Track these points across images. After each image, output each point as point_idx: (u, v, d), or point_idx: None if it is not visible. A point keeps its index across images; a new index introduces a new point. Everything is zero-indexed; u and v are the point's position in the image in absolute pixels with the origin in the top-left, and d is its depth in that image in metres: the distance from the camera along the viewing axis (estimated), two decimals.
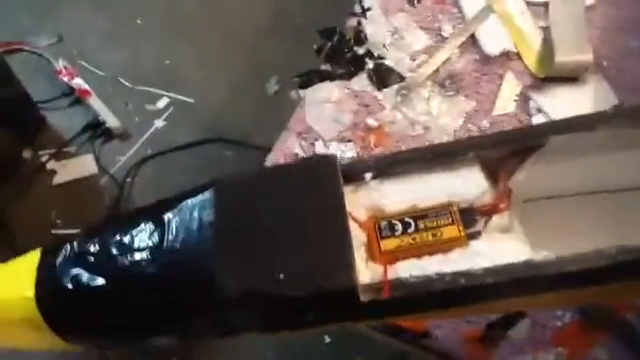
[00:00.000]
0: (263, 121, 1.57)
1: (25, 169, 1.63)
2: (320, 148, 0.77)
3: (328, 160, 0.41)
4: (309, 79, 0.83)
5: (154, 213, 0.40)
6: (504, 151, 0.45)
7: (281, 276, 0.37)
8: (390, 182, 0.44)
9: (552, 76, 0.84)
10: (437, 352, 0.69)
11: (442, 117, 0.81)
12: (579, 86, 0.84)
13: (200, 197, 0.40)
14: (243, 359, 1.55)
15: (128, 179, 1.74)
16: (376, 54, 0.86)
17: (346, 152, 0.77)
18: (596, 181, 0.48)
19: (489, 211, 0.44)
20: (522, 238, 0.45)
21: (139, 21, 2.04)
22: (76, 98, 1.78)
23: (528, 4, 0.90)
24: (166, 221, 0.40)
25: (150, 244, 0.38)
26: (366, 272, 0.41)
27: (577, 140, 0.44)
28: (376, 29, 0.89)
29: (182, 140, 1.78)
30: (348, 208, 0.42)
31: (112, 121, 1.76)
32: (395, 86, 0.83)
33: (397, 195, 0.44)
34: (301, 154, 0.76)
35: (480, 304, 0.42)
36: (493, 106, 0.83)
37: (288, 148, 0.78)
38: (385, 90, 0.83)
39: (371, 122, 0.80)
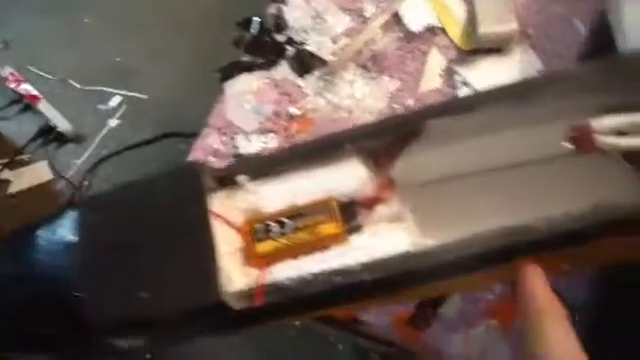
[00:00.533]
0: None
1: None
2: (241, 141, 0.76)
3: (192, 168, 0.40)
4: (230, 72, 0.81)
5: (13, 239, 0.39)
6: (383, 140, 0.44)
7: (143, 294, 0.36)
8: (267, 183, 0.43)
9: (477, 48, 0.83)
10: (370, 337, 0.69)
11: (366, 99, 0.80)
12: (504, 56, 0.83)
13: (61, 220, 0.39)
14: (220, 352, 1.55)
15: (85, 182, 1.72)
16: (297, 40, 0.85)
17: (268, 143, 0.76)
18: (485, 161, 0.47)
19: (371, 203, 0.43)
20: (411, 227, 0.44)
21: (86, 20, 2.00)
22: (25, 104, 1.75)
23: None
24: (26, 248, 0.38)
25: (10, 272, 0.37)
26: (241, 279, 0.40)
27: (455, 123, 0.43)
28: (297, 14, 0.87)
29: (138, 138, 1.76)
30: (222, 213, 0.41)
31: (64, 125, 1.74)
32: (317, 72, 0.82)
33: (274, 195, 0.43)
34: (222, 149, 0.75)
35: (362, 301, 0.41)
36: (419, 84, 0.82)
37: (209, 144, 0.76)
38: (307, 77, 0.81)
39: (293, 111, 0.78)
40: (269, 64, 0.82)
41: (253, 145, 0.75)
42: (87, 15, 2.00)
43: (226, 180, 0.43)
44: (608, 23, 0.68)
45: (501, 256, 0.39)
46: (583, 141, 0.41)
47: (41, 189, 1.60)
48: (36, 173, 1.61)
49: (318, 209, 0.42)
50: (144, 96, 1.81)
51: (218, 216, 0.42)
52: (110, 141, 1.79)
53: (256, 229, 0.41)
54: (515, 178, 0.46)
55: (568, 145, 0.41)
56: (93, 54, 1.95)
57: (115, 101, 1.82)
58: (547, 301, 0.31)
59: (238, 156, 0.74)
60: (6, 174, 1.64)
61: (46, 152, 1.72)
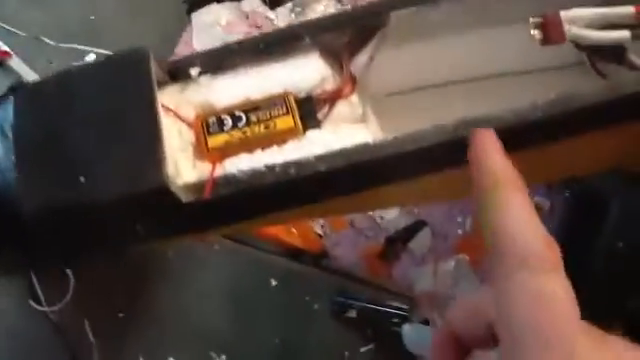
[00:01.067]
0: None
1: None
2: None
3: (139, 53, 0.37)
4: (197, 2, 0.78)
5: None
6: (345, 34, 0.41)
7: (82, 179, 0.34)
8: (221, 77, 0.41)
9: None
10: (338, 272, 0.67)
11: None
12: None
13: None
14: (192, 307, 1.54)
15: None
16: None
17: None
18: (454, 67, 0.45)
19: (330, 98, 0.41)
20: (374, 129, 0.42)
21: None
22: None
23: None
24: None
25: None
26: (192, 173, 0.38)
27: (420, 17, 0.41)
28: None
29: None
30: (173, 107, 0.39)
31: None
32: (289, 4, 0.79)
33: (228, 90, 0.40)
34: None
35: (318, 200, 0.39)
36: None
37: None
38: (278, 9, 0.79)
39: None
40: None
41: None
42: None
43: (178, 73, 0.40)
44: None
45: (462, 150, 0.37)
46: (552, 31, 0.39)
47: None
48: None
49: (274, 103, 0.40)
50: None
51: (169, 109, 0.39)
52: None
53: (208, 123, 0.39)
54: (483, 85, 0.45)
55: (536, 34, 0.38)
56: (66, 11, 1.90)
57: (89, 59, 1.77)
58: (504, 172, 0.27)
59: None
60: None
61: None
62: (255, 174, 0.37)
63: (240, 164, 0.38)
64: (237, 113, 0.39)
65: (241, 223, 0.40)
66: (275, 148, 0.39)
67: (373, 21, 0.41)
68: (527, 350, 0.23)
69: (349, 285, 0.70)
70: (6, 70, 1.72)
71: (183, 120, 0.39)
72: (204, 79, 0.41)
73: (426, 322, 0.67)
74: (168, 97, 0.40)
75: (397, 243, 0.66)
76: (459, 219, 0.66)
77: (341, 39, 0.42)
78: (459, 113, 0.41)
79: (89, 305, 1.44)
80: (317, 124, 0.40)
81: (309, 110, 0.40)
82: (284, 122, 0.39)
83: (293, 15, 0.78)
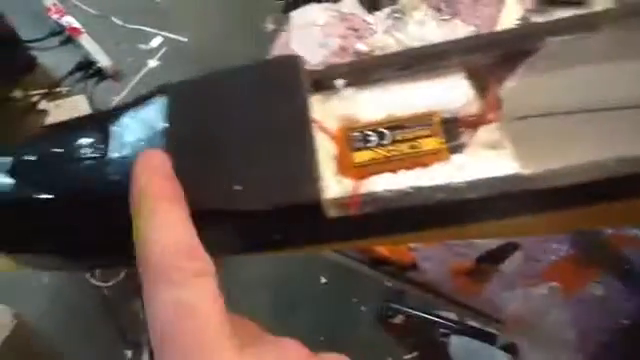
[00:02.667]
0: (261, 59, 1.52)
1: (16, 109, 1.59)
2: None
3: (292, 61, 0.36)
4: (294, 2, 0.77)
5: (97, 123, 0.36)
6: (493, 56, 0.40)
7: (237, 188, 0.33)
8: (365, 90, 0.40)
9: None
10: (424, 285, 0.66)
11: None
12: (585, 9, 0.78)
13: (148, 105, 0.36)
14: (238, 300, 1.55)
15: None
16: None
17: None
18: (599, 94, 0.43)
19: (475, 122, 0.40)
20: (512, 155, 0.41)
21: None
22: (67, 37, 1.73)
23: None
24: (110, 132, 0.36)
25: (93, 156, 0.34)
26: (335, 187, 0.37)
27: (576, 44, 0.39)
28: None
29: (177, 79, 1.73)
30: (318, 118, 0.38)
31: (104, 61, 1.71)
32: (387, 9, 0.78)
33: (372, 104, 0.39)
34: None
35: (460, 224, 0.38)
36: (491, 31, 0.77)
37: None
38: (376, 13, 0.77)
39: (360, 47, 0.75)
40: None
41: None
42: None
43: (322, 83, 0.40)
44: None
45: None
46: None
47: None
48: (74, 106, 1.59)
49: (419, 122, 0.39)
50: (185, 39, 1.77)
51: (312, 121, 0.39)
52: (148, 82, 1.77)
53: (353, 137, 0.38)
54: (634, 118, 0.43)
55: None
56: None
57: (156, 42, 1.79)
58: (156, 186, 0.28)
59: None
60: (44, 105, 1.62)
61: (84, 87, 1.70)
62: (400, 195, 0.36)
63: (385, 183, 0.37)
64: (382, 130, 0.38)
65: (379, 240, 0.39)
66: (419, 170, 0.38)
67: (525, 45, 0.40)
68: None
69: (433, 300, 0.69)
70: (75, 47, 1.75)
71: (326, 132, 0.39)
72: (347, 91, 0.40)
73: (511, 347, 0.66)
74: (312, 108, 0.39)
75: (488, 263, 0.65)
76: (554, 245, 0.64)
77: (488, 61, 0.41)
78: (595, 139, 0.40)
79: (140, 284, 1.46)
80: (461, 147, 0.39)
81: (453, 132, 0.39)
82: (429, 143, 0.38)
83: (391, 21, 0.77)
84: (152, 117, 0.36)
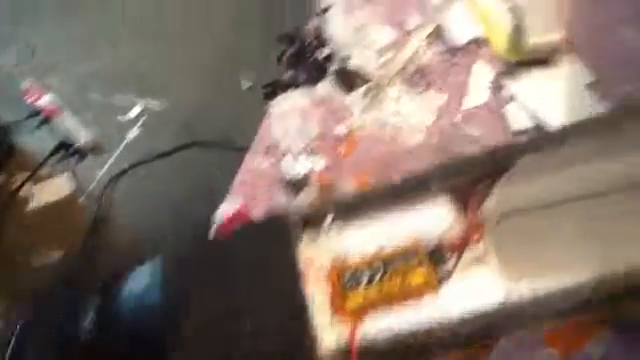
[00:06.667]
0: (240, 118, 1.53)
1: None
2: (289, 163, 0.73)
3: (282, 221, 0.37)
4: (273, 89, 0.79)
5: (101, 288, 0.37)
6: (470, 178, 0.41)
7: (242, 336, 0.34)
8: (351, 226, 0.41)
9: (523, 60, 0.80)
10: None
11: (413, 116, 0.77)
12: (551, 68, 0.80)
13: (146, 269, 0.37)
14: None
15: (107, 194, 1.70)
16: (340, 55, 0.82)
17: (315, 165, 0.73)
18: (568, 192, 0.45)
19: (460, 245, 0.41)
20: (496, 267, 0.42)
21: (110, 28, 1.98)
22: (44, 118, 1.73)
23: None
24: (113, 296, 0.36)
25: (99, 319, 0.35)
26: (332, 332, 0.38)
27: (545, 158, 0.41)
28: (338, 29, 0.84)
29: (159, 147, 1.73)
30: (310, 257, 0.39)
31: (84, 137, 1.71)
32: (362, 88, 0.79)
33: (360, 240, 0.41)
34: (269, 172, 0.73)
35: (456, 351, 0.39)
36: (465, 98, 0.79)
37: (255, 167, 0.74)
38: (352, 93, 0.79)
39: (340, 130, 0.76)
40: (313, 80, 0.79)
41: (300, 167, 0.73)
42: (112, 22, 1.98)
43: (310, 223, 0.40)
44: None
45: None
46: None
47: (63, 203, 1.58)
48: (57, 187, 1.59)
49: (406, 255, 0.40)
50: (164, 105, 1.79)
51: (304, 260, 0.40)
52: (131, 152, 1.77)
53: (344, 277, 0.39)
54: (603, 207, 0.44)
55: None
56: (114, 63, 1.94)
57: (135, 111, 1.80)
58: None
59: (284, 180, 0.72)
60: (27, 189, 1.61)
61: (67, 166, 1.70)
62: (397, 340, 0.37)
63: (379, 326, 0.38)
64: (374, 265, 0.39)
65: None
66: (411, 304, 0.38)
67: (500, 165, 0.41)
68: None
69: None
70: (55, 126, 1.75)
71: (319, 271, 0.39)
72: (335, 228, 0.41)
73: None
74: (302, 246, 0.40)
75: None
76: None
77: (466, 181, 0.42)
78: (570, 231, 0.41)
79: None
80: (448, 275, 0.40)
81: (440, 259, 0.40)
82: (419, 276, 0.39)
83: (367, 99, 0.78)
84: (149, 282, 0.37)
